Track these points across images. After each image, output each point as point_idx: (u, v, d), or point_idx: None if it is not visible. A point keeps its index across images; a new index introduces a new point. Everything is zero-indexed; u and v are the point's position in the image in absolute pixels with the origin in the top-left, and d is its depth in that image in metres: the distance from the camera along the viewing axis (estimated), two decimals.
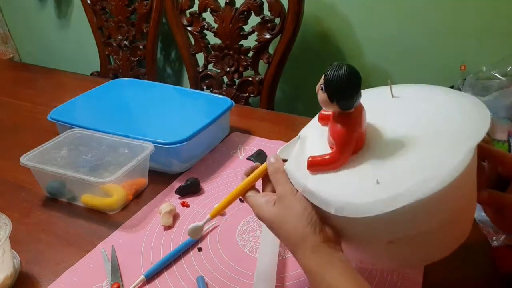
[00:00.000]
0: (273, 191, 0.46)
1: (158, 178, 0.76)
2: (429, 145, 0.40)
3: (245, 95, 1.36)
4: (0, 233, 0.54)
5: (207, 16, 1.31)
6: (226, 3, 1.26)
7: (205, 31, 1.34)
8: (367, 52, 1.33)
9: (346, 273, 0.39)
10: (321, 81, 0.41)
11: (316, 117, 0.52)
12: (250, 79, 1.32)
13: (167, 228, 0.64)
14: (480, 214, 0.90)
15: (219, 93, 1.30)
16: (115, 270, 0.56)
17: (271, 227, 0.44)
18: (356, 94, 0.39)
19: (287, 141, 0.86)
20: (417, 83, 0.51)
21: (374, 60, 1.34)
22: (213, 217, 0.49)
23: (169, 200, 0.71)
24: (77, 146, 0.74)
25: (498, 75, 1.07)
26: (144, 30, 1.50)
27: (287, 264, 0.57)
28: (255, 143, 0.87)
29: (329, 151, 0.44)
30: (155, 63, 1.56)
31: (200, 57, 1.40)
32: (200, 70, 1.40)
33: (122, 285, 0.54)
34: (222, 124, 0.88)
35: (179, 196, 0.72)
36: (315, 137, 0.49)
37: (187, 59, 1.40)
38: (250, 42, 1.28)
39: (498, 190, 0.46)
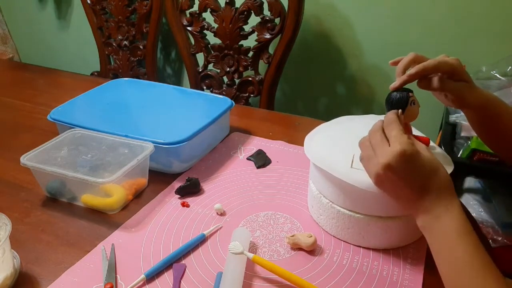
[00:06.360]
0: None
1: (158, 178, 0.76)
2: None
3: (245, 95, 1.36)
4: (0, 233, 0.54)
5: (207, 16, 1.31)
6: (226, 3, 1.26)
7: (205, 31, 1.34)
8: (367, 52, 1.33)
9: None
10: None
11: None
12: (250, 79, 1.33)
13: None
14: (480, 214, 0.90)
15: (219, 93, 1.31)
16: (111, 270, 0.56)
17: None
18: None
19: (287, 141, 0.87)
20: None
21: (374, 60, 1.34)
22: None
23: (169, 200, 0.71)
24: (77, 146, 0.74)
25: (498, 75, 1.07)
26: (144, 30, 1.50)
27: None
28: (255, 143, 0.87)
29: None
30: (155, 63, 1.56)
31: (200, 57, 1.40)
32: (200, 70, 1.40)
33: (116, 285, 0.54)
34: (222, 124, 0.88)
35: (179, 196, 0.72)
36: None
37: (187, 59, 1.40)
38: (250, 42, 1.28)
39: None
